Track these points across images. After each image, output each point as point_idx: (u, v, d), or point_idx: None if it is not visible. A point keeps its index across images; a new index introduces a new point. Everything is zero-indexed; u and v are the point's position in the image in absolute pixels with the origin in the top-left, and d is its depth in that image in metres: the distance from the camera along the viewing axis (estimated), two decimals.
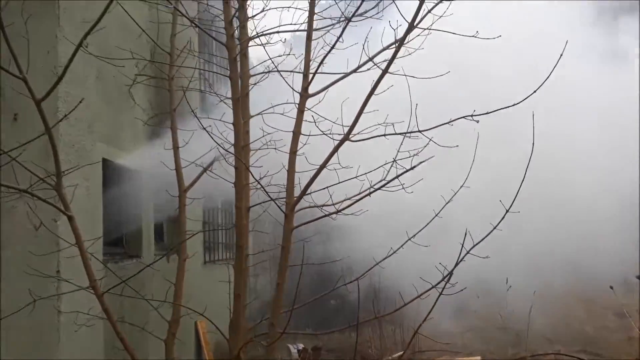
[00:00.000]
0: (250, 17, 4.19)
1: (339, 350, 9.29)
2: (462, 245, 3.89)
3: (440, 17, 3.57)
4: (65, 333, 4.11)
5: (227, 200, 8.76)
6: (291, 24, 4.24)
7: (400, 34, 3.64)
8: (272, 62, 4.14)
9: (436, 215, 4.24)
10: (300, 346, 8.60)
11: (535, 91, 3.12)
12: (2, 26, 2.80)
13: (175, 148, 4.85)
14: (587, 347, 9.06)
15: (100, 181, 4.64)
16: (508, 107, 3.23)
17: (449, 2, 3.62)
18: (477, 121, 3.28)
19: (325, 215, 4.13)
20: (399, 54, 3.66)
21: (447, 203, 4.14)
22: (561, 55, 3.02)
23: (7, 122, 4.06)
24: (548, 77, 3.06)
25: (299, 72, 4.23)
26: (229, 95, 4.43)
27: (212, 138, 3.87)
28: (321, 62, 3.84)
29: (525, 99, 3.14)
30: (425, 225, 4.56)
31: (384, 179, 4.12)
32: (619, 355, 8.30)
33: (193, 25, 4.41)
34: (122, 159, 4.94)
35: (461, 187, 4.01)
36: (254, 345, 8.11)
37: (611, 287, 8.03)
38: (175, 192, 5.10)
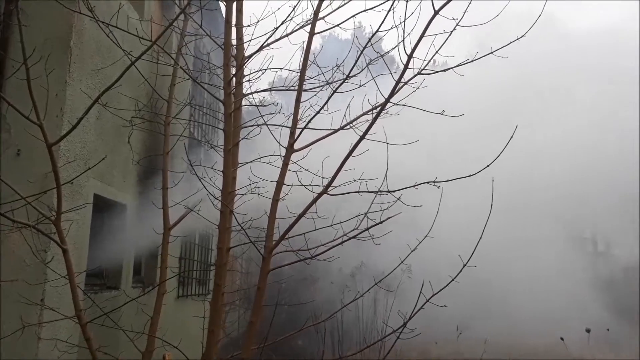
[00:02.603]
0: (247, 80, 4.62)
1: None
2: (420, 293, 4.29)
3: (414, 91, 4.07)
4: None
5: (204, 237, 9.05)
6: (283, 87, 4.69)
7: (380, 99, 4.16)
8: (262, 119, 4.55)
9: (402, 262, 4.67)
10: None
11: (488, 165, 3.60)
12: (28, 78, 3.16)
13: (165, 188, 5.17)
14: None
15: (90, 215, 4.91)
16: (465, 177, 3.70)
17: (423, 76, 4.16)
18: (438, 187, 3.74)
19: (301, 260, 4.47)
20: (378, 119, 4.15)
21: (411, 251, 4.56)
22: (511, 137, 3.52)
23: (10, 157, 4.34)
24: (502, 151, 3.55)
25: (287, 127, 4.66)
26: (220, 143, 4.81)
27: (204, 186, 4.22)
28: (307, 123, 4.28)
29: (480, 171, 3.62)
30: (391, 272, 4.99)
31: (356, 228, 4.53)
32: None
33: (193, 80, 4.82)
34: (111, 195, 5.23)
35: (425, 237, 4.45)
36: None
37: (561, 339, 8.54)
38: (159, 229, 5.39)
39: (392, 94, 3.82)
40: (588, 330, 7.76)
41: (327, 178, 4.42)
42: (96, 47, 4.74)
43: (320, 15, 4.55)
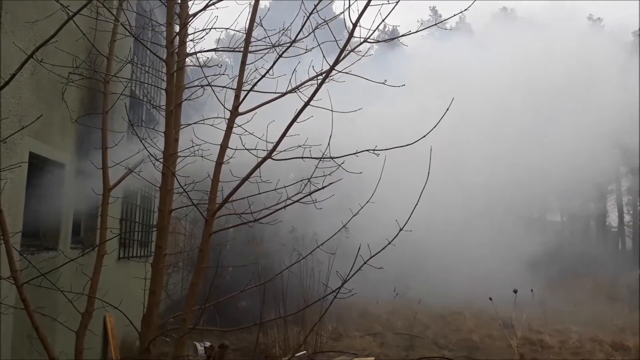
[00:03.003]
0: (191, 40, 4.51)
1: (246, 350, 9.65)
2: (357, 255, 4.45)
3: (359, 59, 4.13)
4: None
5: (146, 199, 8.90)
6: (229, 48, 4.62)
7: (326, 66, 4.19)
8: (206, 80, 4.49)
9: (343, 226, 4.81)
10: (207, 344, 8.85)
11: (424, 136, 3.74)
12: None
13: (105, 148, 5.03)
14: (471, 353, 10.03)
15: (25, 175, 4.73)
16: (402, 146, 3.84)
17: (369, 45, 4.22)
18: (378, 155, 3.86)
19: (243, 223, 4.53)
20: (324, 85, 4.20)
21: (353, 216, 4.69)
22: (447, 109, 3.67)
23: None
24: (437, 124, 3.69)
25: (232, 89, 4.62)
26: (163, 103, 4.72)
27: (145, 147, 4.15)
28: (252, 87, 4.26)
29: (417, 141, 3.76)
30: (332, 236, 5.12)
31: (300, 192, 4.61)
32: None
33: (134, 38, 4.65)
34: (48, 153, 5.05)
35: (367, 202, 4.59)
36: (164, 341, 8.31)
37: (490, 299, 9.14)
38: (99, 189, 5.27)
39: (337, 61, 3.87)
40: (515, 291, 8.41)
41: (272, 142, 4.45)
42: None
43: None
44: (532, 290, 9.91)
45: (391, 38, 4.19)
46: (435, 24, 4.66)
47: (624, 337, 11.29)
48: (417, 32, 4.39)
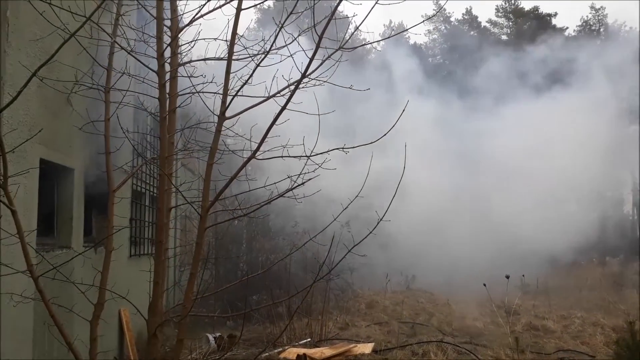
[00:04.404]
0: (179, 52, 4.92)
1: (255, 340, 10.10)
2: (331, 244, 4.81)
3: (335, 64, 4.51)
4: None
5: (155, 199, 9.39)
6: (215, 57, 5.02)
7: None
8: (194, 88, 4.89)
9: (335, 220, 5.18)
10: (218, 334, 9.34)
11: (385, 134, 4.11)
12: None
13: (107, 153, 5.49)
14: (473, 339, 10.31)
15: (37, 179, 5.19)
16: (367, 144, 4.21)
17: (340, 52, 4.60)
18: (347, 152, 4.23)
19: (234, 218, 4.95)
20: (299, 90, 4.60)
21: (343, 210, 5.05)
22: (403, 110, 4.02)
23: None
24: (395, 123, 4.04)
25: (219, 94, 5.02)
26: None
27: (139, 153, 4.58)
28: (236, 94, 4.66)
29: (378, 140, 4.12)
30: (323, 230, 5.49)
31: (291, 189, 5.01)
32: (498, 345, 9.55)
33: (127, 52, 5.07)
34: (58, 159, 5.52)
35: (356, 197, 4.96)
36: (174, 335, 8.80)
37: (484, 285, 9.43)
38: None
39: (306, 70, 4.24)
40: (507, 277, 8.75)
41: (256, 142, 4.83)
42: (34, 17, 4.92)
43: None
44: (523, 276, 10.21)
45: (362, 44, 4.54)
46: (405, 30, 4.98)
47: (628, 319, 11.44)
48: (388, 37, 4.74)
